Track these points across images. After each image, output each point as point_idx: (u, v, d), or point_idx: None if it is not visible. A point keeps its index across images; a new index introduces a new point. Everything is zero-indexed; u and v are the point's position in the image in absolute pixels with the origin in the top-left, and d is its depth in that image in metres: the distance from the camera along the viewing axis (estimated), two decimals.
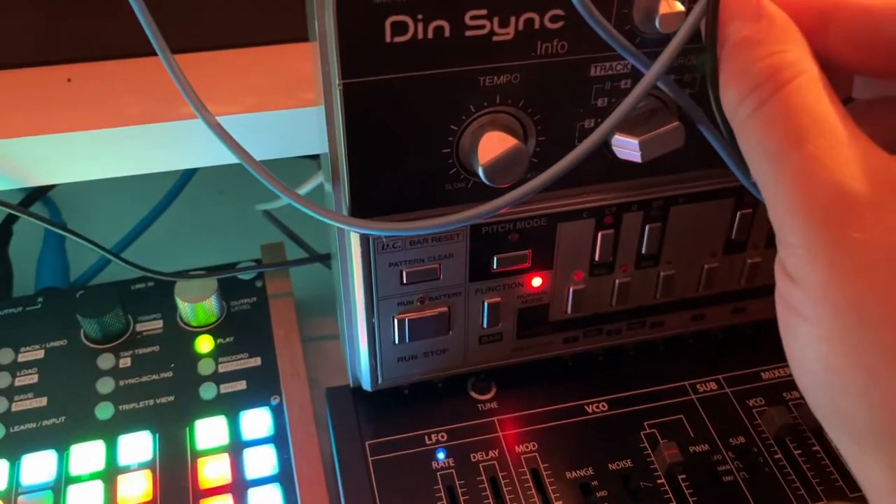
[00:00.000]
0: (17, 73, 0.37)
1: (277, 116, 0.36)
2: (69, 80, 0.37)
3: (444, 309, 0.36)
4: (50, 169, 0.36)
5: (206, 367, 0.42)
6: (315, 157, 0.44)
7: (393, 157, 0.31)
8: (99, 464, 0.38)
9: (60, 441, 0.39)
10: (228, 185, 0.59)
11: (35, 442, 0.39)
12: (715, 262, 0.39)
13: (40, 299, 0.46)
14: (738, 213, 0.37)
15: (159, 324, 0.45)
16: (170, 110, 0.36)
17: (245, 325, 0.45)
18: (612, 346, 0.41)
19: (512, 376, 0.40)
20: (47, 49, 0.37)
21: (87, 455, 0.38)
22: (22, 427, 0.39)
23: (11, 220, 0.54)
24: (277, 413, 0.40)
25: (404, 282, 0.35)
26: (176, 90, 0.36)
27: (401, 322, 0.36)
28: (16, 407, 0.40)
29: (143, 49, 0.37)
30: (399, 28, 0.28)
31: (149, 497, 0.37)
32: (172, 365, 0.42)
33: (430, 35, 0.28)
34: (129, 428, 0.39)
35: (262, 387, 0.42)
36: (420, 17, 0.27)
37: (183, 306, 0.44)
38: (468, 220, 0.29)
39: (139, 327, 0.44)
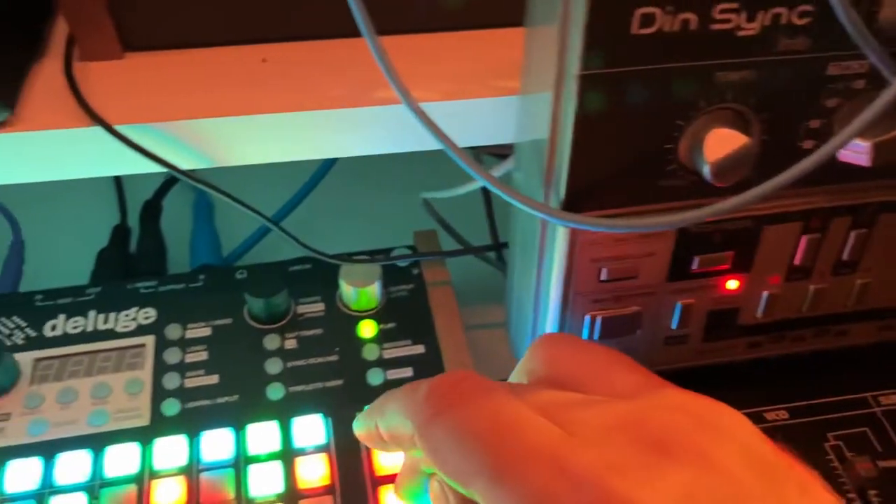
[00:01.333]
0: (213, 52, 0.37)
1: (470, 105, 0.36)
2: (264, 60, 0.37)
3: (637, 308, 0.35)
4: (241, 150, 0.36)
5: (370, 353, 0.42)
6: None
7: (615, 150, 0.30)
8: (275, 444, 0.38)
9: (236, 419, 0.39)
10: (371, 169, 0.59)
11: (211, 419, 0.39)
12: None
13: (202, 276, 0.46)
14: None
15: (321, 306, 0.45)
16: (364, 94, 0.35)
17: (405, 311, 0.45)
18: (792, 353, 0.40)
19: (688, 379, 0.39)
20: (242, 28, 0.37)
21: (264, 435, 0.38)
22: (196, 403, 0.40)
23: (161, 195, 0.55)
24: None
25: (602, 279, 0.34)
26: (370, 73, 0.35)
27: (593, 319, 0.35)
28: (188, 383, 0.41)
29: (338, 30, 0.38)
30: (647, 20, 0.27)
31: (327, 481, 0.37)
32: (337, 349, 0.42)
33: (675, 28, 0.27)
34: (301, 410, 0.39)
35: (428, 375, 0.41)
36: (670, 8, 0.27)
37: (347, 290, 0.44)
38: (699, 219, 0.28)
39: (300, 309, 0.44)
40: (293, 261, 0.47)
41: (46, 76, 0.35)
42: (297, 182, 0.54)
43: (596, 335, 0.36)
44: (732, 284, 0.36)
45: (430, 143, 0.35)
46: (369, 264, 0.44)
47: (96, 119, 0.32)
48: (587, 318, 0.35)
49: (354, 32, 0.37)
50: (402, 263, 0.47)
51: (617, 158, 0.30)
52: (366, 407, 0.31)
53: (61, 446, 0.38)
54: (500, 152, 0.42)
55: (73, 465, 0.37)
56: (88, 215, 0.55)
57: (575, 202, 0.31)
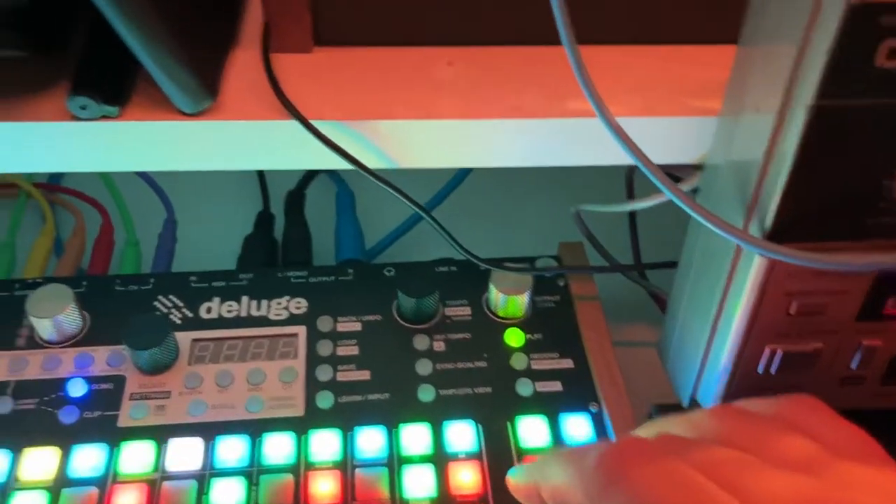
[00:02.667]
0: (398, 51, 0.37)
1: (661, 122, 0.35)
2: (450, 63, 0.37)
3: (820, 345, 0.34)
4: (425, 153, 0.36)
5: (518, 362, 0.42)
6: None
7: (830, 183, 0.29)
8: (428, 447, 0.38)
9: (388, 418, 0.39)
10: (514, 173, 0.58)
11: (364, 415, 0.39)
12: None
13: (350, 270, 0.46)
14: None
15: (467, 310, 0.45)
16: (554, 105, 0.35)
17: (552, 323, 0.44)
18: None
19: (857, 419, 0.38)
20: (429, 29, 0.37)
21: (416, 437, 0.38)
22: (349, 398, 0.40)
23: (304, 184, 0.55)
24: (597, 421, 0.39)
25: (790, 312, 0.33)
26: (558, 83, 0.35)
27: (772, 352, 0.34)
28: (340, 376, 0.41)
29: (524, 36, 0.38)
30: (893, 53, 0.26)
31: (478, 489, 0.37)
32: (485, 355, 0.42)
33: None
34: (452, 415, 0.39)
35: (578, 391, 0.41)
36: None
37: (496, 296, 0.43)
38: None
39: (448, 311, 0.44)
40: (439, 262, 0.47)
41: (242, 66, 0.35)
42: (438, 181, 0.54)
43: (773, 368, 0.34)
44: None
45: (617, 159, 0.35)
46: (521, 273, 0.44)
47: (295, 113, 0.33)
48: (767, 350, 0.34)
49: (540, 40, 0.37)
50: (550, 275, 0.46)
51: (830, 191, 0.29)
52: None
53: (221, 429, 0.39)
54: (671, 171, 0.41)
55: (233, 449, 0.38)
56: (232, 200, 0.56)
57: (780, 232, 0.30)
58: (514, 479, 0.33)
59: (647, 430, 0.32)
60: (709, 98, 0.34)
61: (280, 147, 0.34)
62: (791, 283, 0.32)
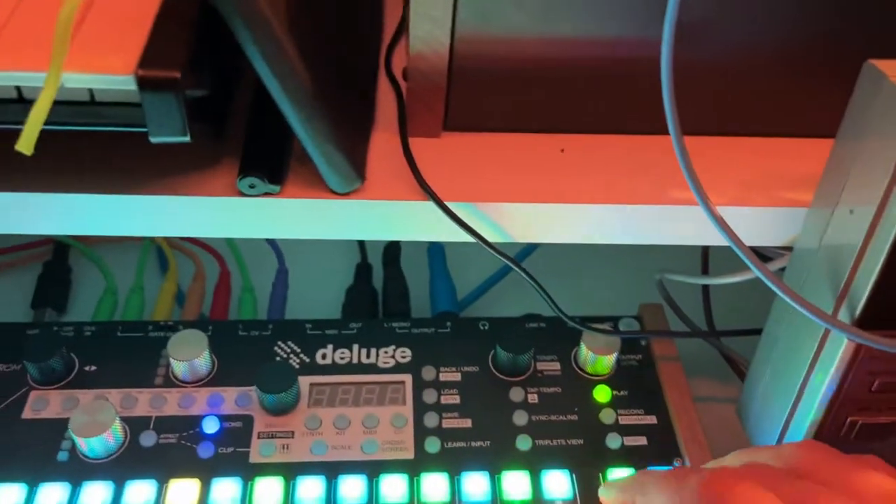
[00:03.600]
0: (515, 137, 0.41)
1: (754, 211, 0.39)
2: (562, 150, 0.41)
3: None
4: (538, 230, 0.40)
5: (607, 417, 0.46)
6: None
7: None
8: (526, 493, 0.42)
9: (490, 464, 0.43)
10: None
11: (468, 461, 0.43)
12: None
13: (448, 323, 0.51)
14: None
15: (557, 366, 0.49)
16: (662, 192, 0.39)
17: (636, 381, 0.48)
18: None
19: None
20: (544, 118, 0.41)
21: (516, 483, 0.42)
22: (454, 444, 0.44)
23: None
24: None
25: (872, 389, 0.36)
26: (662, 170, 0.39)
27: (853, 423, 0.38)
28: (445, 423, 0.45)
29: (632, 126, 0.42)
30: None
31: None
32: (576, 409, 0.46)
33: None
34: (548, 464, 0.43)
35: (662, 446, 0.45)
36: None
37: (586, 354, 0.47)
38: None
39: (540, 366, 0.48)
40: (529, 317, 0.51)
41: (381, 149, 0.40)
42: None
43: (852, 436, 0.38)
44: None
45: (712, 240, 0.39)
46: (612, 336, 0.48)
47: (432, 195, 0.37)
48: (848, 420, 0.38)
49: (645, 130, 0.41)
50: (637, 338, 0.50)
51: None
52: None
53: (341, 469, 0.43)
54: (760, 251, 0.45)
55: (353, 488, 0.42)
56: (332, 252, 0.60)
57: (869, 318, 0.34)
58: (609, 496, 0.37)
59: (735, 459, 0.36)
60: (800, 190, 0.38)
61: (416, 223, 0.38)
62: (874, 364, 0.36)
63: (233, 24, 0.31)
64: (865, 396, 0.37)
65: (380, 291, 0.57)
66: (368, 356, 0.48)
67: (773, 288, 0.34)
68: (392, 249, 0.59)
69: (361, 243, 0.60)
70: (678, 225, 0.40)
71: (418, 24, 0.35)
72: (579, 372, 0.48)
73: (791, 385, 0.39)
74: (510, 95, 0.40)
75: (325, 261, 0.59)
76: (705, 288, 0.54)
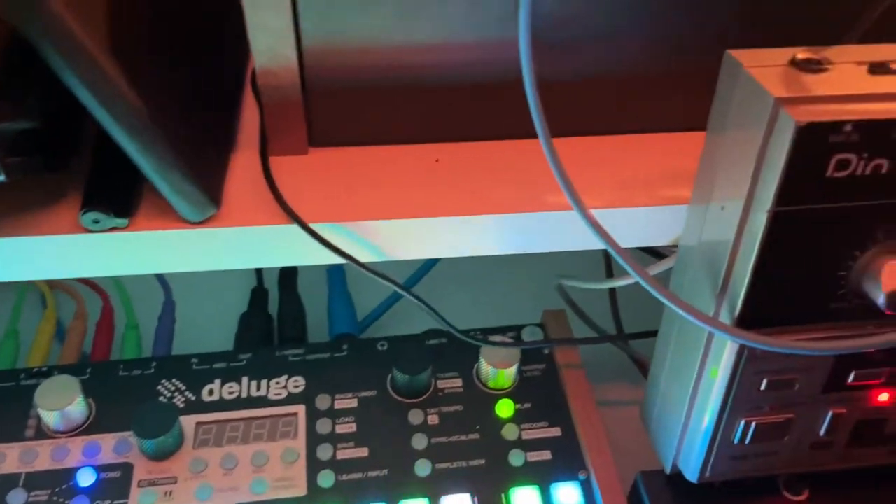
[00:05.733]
0: (389, 150, 0.39)
1: (636, 211, 0.38)
2: (437, 160, 0.39)
3: (791, 416, 0.37)
4: (413, 247, 0.38)
5: (510, 433, 0.44)
6: None
7: (791, 277, 0.32)
8: None
9: (388, 494, 0.41)
10: None
11: (364, 492, 0.41)
12: None
13: (345, 346, 0.48)
14: None
15: (459, 382, 0.47)
16: (533, 199, 0.37)
17: (539, 392, 0.46)
18: None
19: (827, 479, 0.40)
20: (418, 129, 0.39)
21: None
22: (349, 476, 0.42)
23: None
24: (586, 489, 0.42)
25: (762, 388, 0.35)
26: (538, 177, 0.38)
27: (747, 424, 0.36)
28: (340, 454, 0.43)
29: (508, 131, 0.40)
30: (842, 165, 0.28)
31: None
32: (477, 427, 0.44)
33: (867, 171, 0.29)
34: (449, 488, 0.41)
35: (567, 459, 0.43)
36: (865, 155, 0.28)
37: (486, 369, 0.46)
38: (879, 345, 0.30)
39: (440, 384, 0.46)
40: (430, 333, 0.49)
41: (241, 172, 0.37)
42: None
43: (748, 439, 0.37)
44: (884, 397, 0.37)
45: (593, 245, 0.38)
46: (511, 347, 0.46)
47: (295, 218, 0.35)
48: (742, 422, 0.36)
49: (523, 134, 0.40)
50: (538, 347, 0.49)
51: (792, 282, 0.32)
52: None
53: None
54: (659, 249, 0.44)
55: None
56: (227, 277, 0.57)
57: (749, 320, 0.33)
58: None
59: None
60: (682, 187, 0.37)
61: (280, 247, 0.36)
62: (762, 363, 0.34)
63: (41, 47, 0.28)
64: (756, 395, 0.35)
65: (276, 317, 0.54)
66: (259, 388, 0.46)
67: (650, 290, 0.33)
68: (288, 271, 0.56)
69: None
70: (559, 231, 0.38)
71: (258, 37, 0.33)
72: (481, 387, 0.46)
73: (685, 387, 0.38)
74: (376, 106, 0.38)
75: (218, 287, 0.57)
76: (612, 290, 0.53)
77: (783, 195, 0.29)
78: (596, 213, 0.37)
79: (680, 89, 0.38)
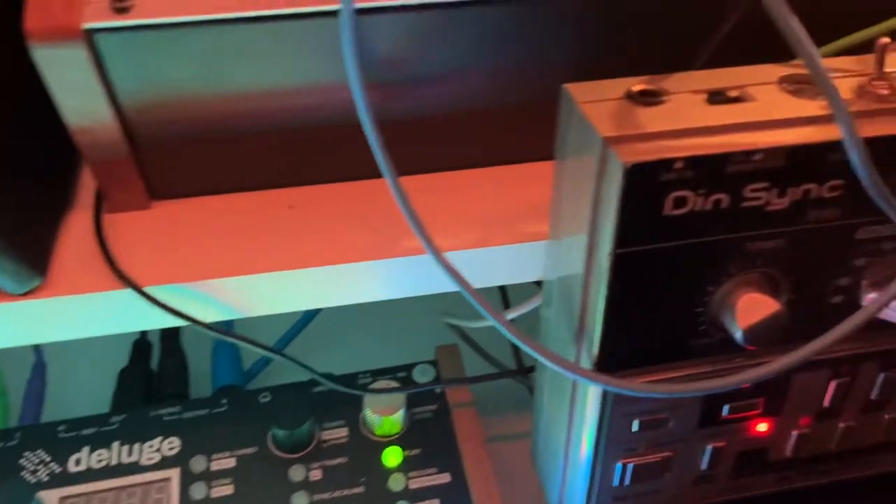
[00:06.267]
0: (239, 198, 0.37)
1: (497, 250, 0.36)
2: (291, 206, 0.37)
3: (669, 454, 0.35)
4: (267, 302, 0.36)
5: (396, 483, 0.42)
6: None
7: (646, 316, 0.30)
8: None
9: None
10: None
11: None
12: None
13: (225, 401, 0.46)
14: None
15: (344, 431, 0.45)
16: (390, 245, 0.35)
17: (430, 435, 0.44)
18: (822, 484, 0.40)
19: None
20: (268, 174, 0.37)
21: None
22: None
23: None
24: None
25: (634, 430, 0.34)
26: (396, 219, 0.36)
27: (624, 467, 0.35)
28: None
29: (366, 172, 0.38)
30: (679, 202, 0.27)
31: None
32: (363, 479, 0.42)
33: (707, 207, 0.27)
34: None
35: None
36: (702, 191, 0.27)
37: (371, 418, 0.44)
38: (731, 386, 0.28)
39: (325, 435, 0.44)
40: (314, 381, 0.47)
41: (74, 233, 0.35)
42: None
43: (627, 481, 0.35)
44: (762, 427, 0.36)
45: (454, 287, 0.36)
46: (394, 393, 0.44)
47: (128, 282, 0.32)
48: (618, 465, 0.35)
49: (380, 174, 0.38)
50: (423, 379, 0.47)
51: (649, 321, 0.30)
52: None
53: None
54: None
55: None
56: None
57: (607, 361, 0.31)
58: None
59: None
60: (542, 222, 0.36)
61: (116, 314, 0.34)
62: (630, 405, 0.33)
63: None
64: (628, 438, 0.34)
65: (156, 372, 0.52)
66: (131, 454, 0.43)
67: (504, 332, 0.31)
68: None
69: None
70: (421, 275, 0.36)
71: (63, 94, 0.30)
72: (368, 435, 0.44)
73: (561, 430, 0.36)
74: (217, 154, 0.36)
75: (97, 342, 0.53)
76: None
77: (622, 236, 0.27)
78: (458, 254, 0.35)
79: (535, 119, 0.37)
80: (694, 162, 0.26)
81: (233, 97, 0.33)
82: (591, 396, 0.32)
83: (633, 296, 0.29)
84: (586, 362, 0.32)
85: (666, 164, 0.26)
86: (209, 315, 0.35)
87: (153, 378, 0.51)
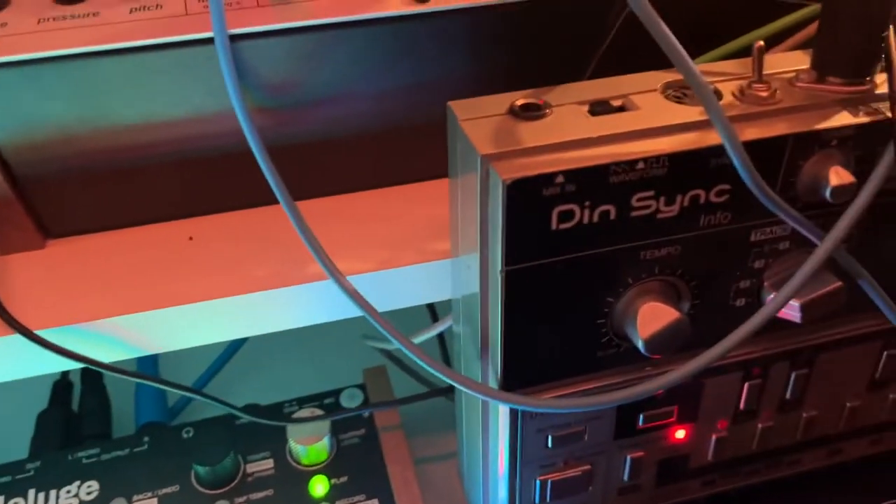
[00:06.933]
0: (138, 232, 0.36)
1: (403, 271, 0.35)
2: (191, 238, 0.36)
3: (587, 467, 0.35)
4: (169, 338, 0.35)
5: None
6: None
7: (548, 331, 0.30)
8: None
9: None
10: None
11: None
12: (858, 400, 0.37)
13: (146, 439, 0.45)
14: (885, 354, 0.36)
15: (270, 463, 0.43)
16: (293, 271, 0.35)
17: (357, 461, 0.44)
18: (747, 485, 0.39)
19: None
20: (165, 206, 0.36)
21: None
22: None
23: None
24: None
25: (549, 445, 0.33)
26: (299, 243, 0.35)
27: (543, 483, 0.34)
28: None
29: (267, 198, 0.37)
30: (565, 216, 0.27)
31: None
32: None
33: (595, 219, 0.27)
34: None
35: None
36: (588, 203, 0.27)
37: (296, 448, 0.43)
38: (634, 398, 0.28)
39: (250, 468, 0.43)
40: (241, 409, 0.46)
41: None
42: None
43: (549, 497, 0.35)
44: (680, 434, 0.35)
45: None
46: (318, 420, 0.43)
47: (18, 328, 0.31)
48: (537, 482, 0.34)
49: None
50: (350, 404, 0.46)
51: (552, 337, 0.30)
52: None
53: None
54: None
55: None
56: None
57: (514, 378, 0.31)
58: None
59: None
60: (446, 240, 0.35)
61: (10, 360, 0.32)
62: (540, 421, 0.33)
63: None
64: (544, 454, 0.34)
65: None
66: (47, 501, 0.42)
67: (408, 353, 0.30)
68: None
69: None
70: (329, 301, 0.36)
71: None
72: (295, 465, 0.43)
73: (478, 445, 0.36)
74: (109, 189, 0.35)
75: (15, 384, 0.52)
76: (440, 337, 0.51)
77: (510, 253, 0.27)
78: (365, 276, 0.35)
79: (436, 136, 0.36)
80: (575, 175, 0.26)
81: (117, 130, 0.32)
82: (502, 414, 0.32)
83: (530, 312, 0.29)
84: (493, 381, 0.31)
85: (547, 178, 0.26)
86: (113, 355, 0.34)
87: (74, 419, 0.50)
